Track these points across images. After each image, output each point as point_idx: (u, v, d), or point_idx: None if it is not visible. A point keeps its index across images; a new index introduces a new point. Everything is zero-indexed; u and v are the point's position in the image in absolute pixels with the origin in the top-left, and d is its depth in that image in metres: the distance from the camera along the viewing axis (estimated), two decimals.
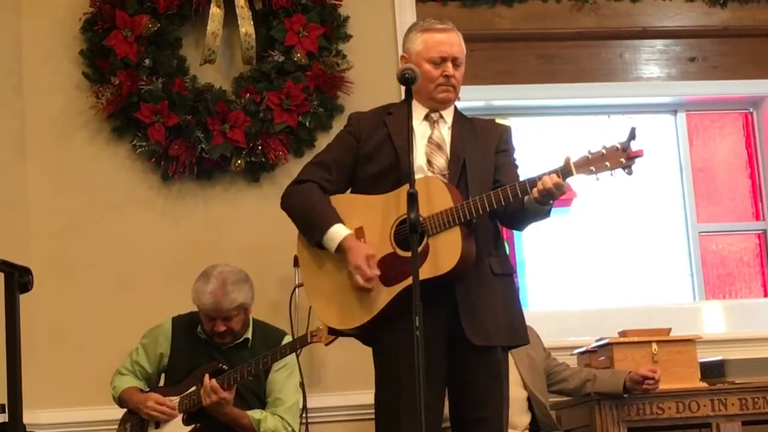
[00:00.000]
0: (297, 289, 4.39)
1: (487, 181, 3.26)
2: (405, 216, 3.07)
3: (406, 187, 3.09)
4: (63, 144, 4.73)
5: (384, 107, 3.50)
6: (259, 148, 4.69)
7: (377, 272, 3.12)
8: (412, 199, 2.91)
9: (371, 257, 3.13)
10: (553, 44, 5.46)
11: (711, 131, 5.77)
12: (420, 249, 3.03)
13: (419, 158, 3.23)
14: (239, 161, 4.70)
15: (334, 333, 3.41)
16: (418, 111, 3.32)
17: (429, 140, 3.28)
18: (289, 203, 3.36)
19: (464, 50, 3.39)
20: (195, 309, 4.11)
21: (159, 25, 4.70)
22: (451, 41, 3.34)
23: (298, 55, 4.74)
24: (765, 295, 5.63)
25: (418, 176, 3.15)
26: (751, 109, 5.76)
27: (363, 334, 3.27)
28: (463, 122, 3.37)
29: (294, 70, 4.74)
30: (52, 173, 4.71)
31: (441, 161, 3.25)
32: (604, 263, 5.56)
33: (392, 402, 3.11)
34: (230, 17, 4.74)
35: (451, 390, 3.23)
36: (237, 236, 4.69)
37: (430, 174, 3.21)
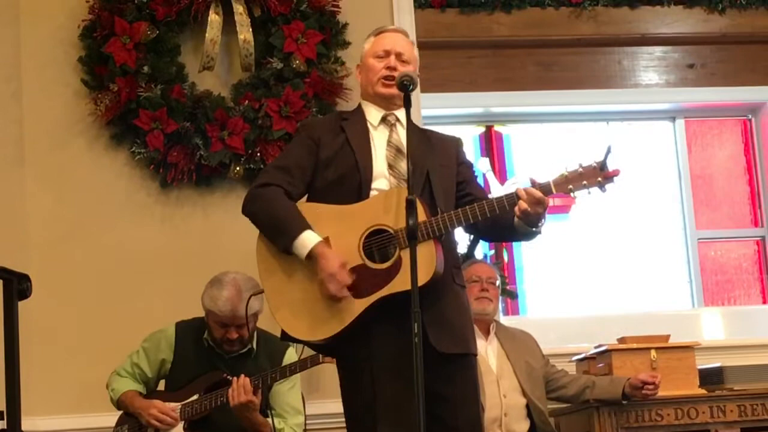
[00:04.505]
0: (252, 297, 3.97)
1: (450, 192, 3.23)
2: (376, 227, 3.05)
3: (376, 197, 3.09)
4: (61, 151, 4.73)
5: (337, 114, 3.48)
6: (258, 154, 4.69)
7: (349, 281, 3.02)
8: (412, 205, 2.88)
9: (344, 266, 3.03)
10: (551, 51, 5.47)
11: (709, 138, 5.78)
12: (391, 262, 3.01)
13: (380, 163, 3.17)
14: (238, 168, 4.70)
15: (288, 339, 3.24)
16: (374, 114, 3.28)
17: (388, 143, 3.22)
18: (255, 208, 3.22)
19: (414, 53, 3.35)
20: (198, 315, 4.09)
21: (158, 32, 4.69)
22: (397, 38, 3.33)
23: (297, 61, 4.74)
24: (764, 302, 5.64)
25: (381, 183, 3.13)
26: (750, 116, 5.78)
27: (328, 345, 3.16)
28: (417, 129, 3.30)
29: (293, 77, 4.74)
30: (50, 180, 4.71)
31: (402, 165, 3.15)
32: (603, 270, 5.57)
33: (369, 411, 3.02)
34: (229, 24, 4.74)
35: (427, 401, 3.00)
36: (236, 243, 4.66)
37: (392, 179, 3.15)
